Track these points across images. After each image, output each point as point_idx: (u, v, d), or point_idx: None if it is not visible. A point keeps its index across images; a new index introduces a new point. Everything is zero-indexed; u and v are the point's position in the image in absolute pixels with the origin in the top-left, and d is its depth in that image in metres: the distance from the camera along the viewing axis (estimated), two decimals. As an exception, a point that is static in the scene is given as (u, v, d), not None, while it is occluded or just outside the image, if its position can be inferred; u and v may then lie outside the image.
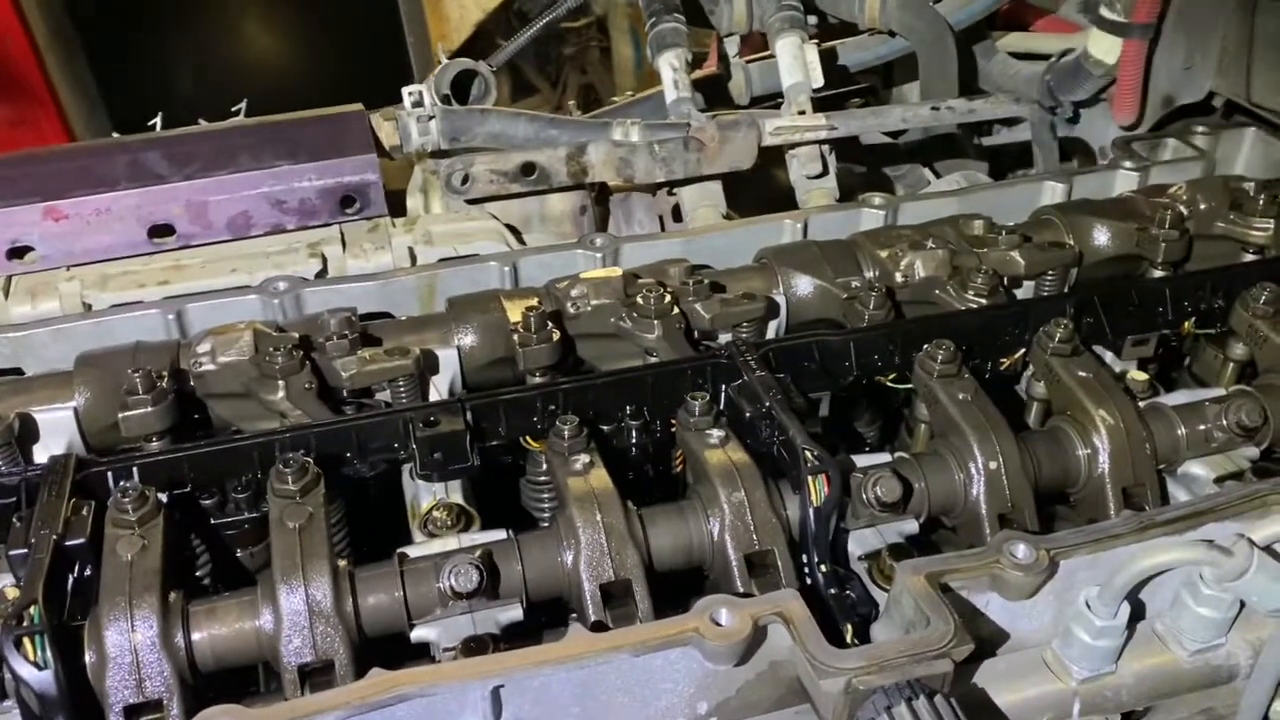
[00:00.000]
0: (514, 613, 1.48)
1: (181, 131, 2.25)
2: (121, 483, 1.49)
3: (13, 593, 1.54)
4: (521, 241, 2.32)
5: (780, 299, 2.00)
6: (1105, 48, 2.62)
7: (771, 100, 2.78)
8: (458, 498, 1.68)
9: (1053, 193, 2.38)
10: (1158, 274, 2.09)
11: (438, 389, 1.85)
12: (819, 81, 2.54)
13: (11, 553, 1.45)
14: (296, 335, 1.78)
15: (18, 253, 2.07)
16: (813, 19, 2.73)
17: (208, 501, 1.61)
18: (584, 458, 1.59)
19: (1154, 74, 2.69)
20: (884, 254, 2.01)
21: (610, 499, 1.53)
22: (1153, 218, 2.10)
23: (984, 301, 1.93)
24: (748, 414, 1.66)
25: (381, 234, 2.22)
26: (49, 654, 1.30)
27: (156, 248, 2.13)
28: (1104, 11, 2.60)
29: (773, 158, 2.54)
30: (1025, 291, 2.08)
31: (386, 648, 1.46)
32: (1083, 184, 2.42)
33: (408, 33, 5.64)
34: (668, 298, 1.88)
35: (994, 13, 3.07)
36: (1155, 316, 1.93)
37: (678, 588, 1.55)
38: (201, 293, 2.04)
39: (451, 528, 1.61)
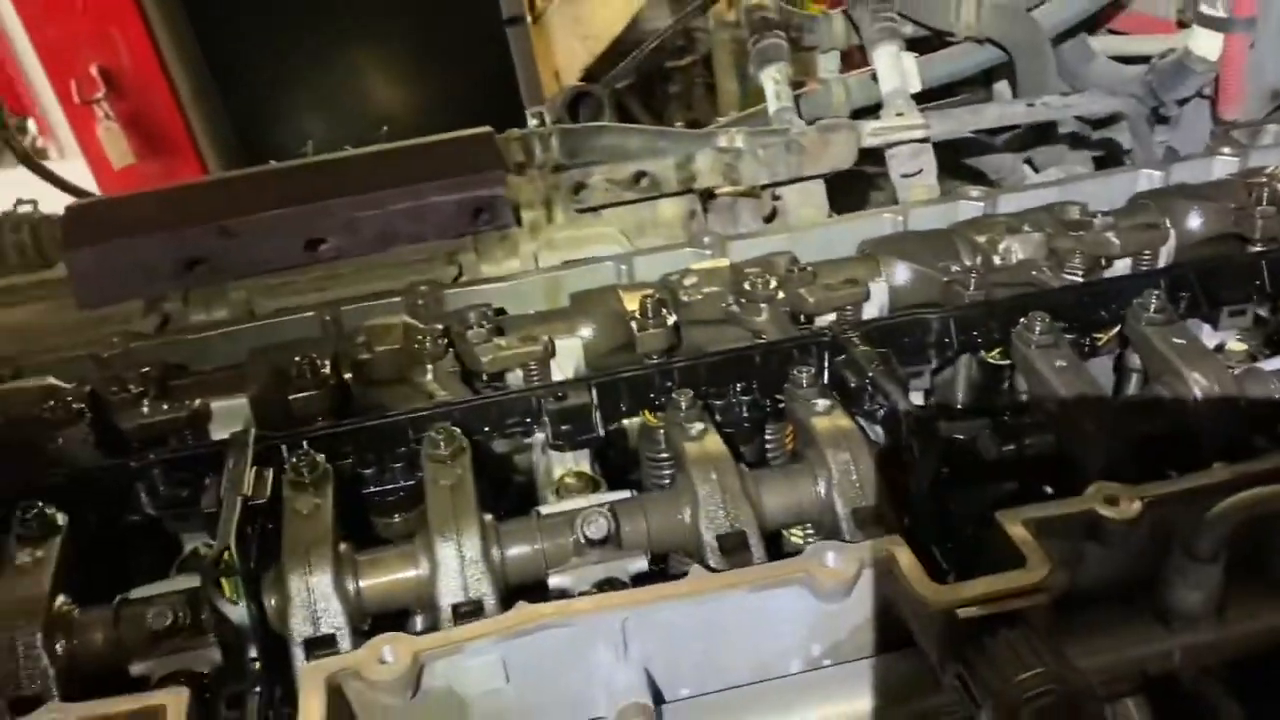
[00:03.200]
0: (640, 563, 1.63)
1: (332, 156, 2.51)
2: (297, 450, 1.70)
3: (205, 550, 1.78)
4: (635, 245, 2.49)
5: (882, 285, 2.12)
6: (1207, 44, 2.67)
7: (870, 114, 2.91)
8: (586, 467, 1.85)
9: (1150, 181, 2.44)
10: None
11: (564, 374, 2.02)
12: (916, 86, 2.66)
13: (206, 510, 1.68)
14: (441, 327, 1.99)
15: (192, 265, 2.34)
16: (909, 29, 2.87)
17: (366, 471, 1.81)
18: (699, 425, 1.74)
19: (1258, 68, 2.72)
20: (982, 239, 2.12)
21: (724, 459, 1.67)
22: (1250, 196, 2.15)
23: (1080, 280, 2.02)
24: (852, 384, 1.78)
25: (510, 242, 2.43)
26: (242, 592, 1.51)
27: (312, 259, 2.38)
28: (1204, 8, 2.65)
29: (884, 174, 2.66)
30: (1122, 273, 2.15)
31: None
32: (1180, 172, 2.47)
33: (520, 75, 5.94)
34: (774, 283, 2.02)
35: (1092, 17, 3.14)
36: (1251, 289, 1.98)
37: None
38: (353, 298, 2.27)
39: (581, 492, 1.78)
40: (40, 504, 1.66)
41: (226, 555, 1.53)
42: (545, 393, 1.82)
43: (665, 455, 1.88)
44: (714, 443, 1.71)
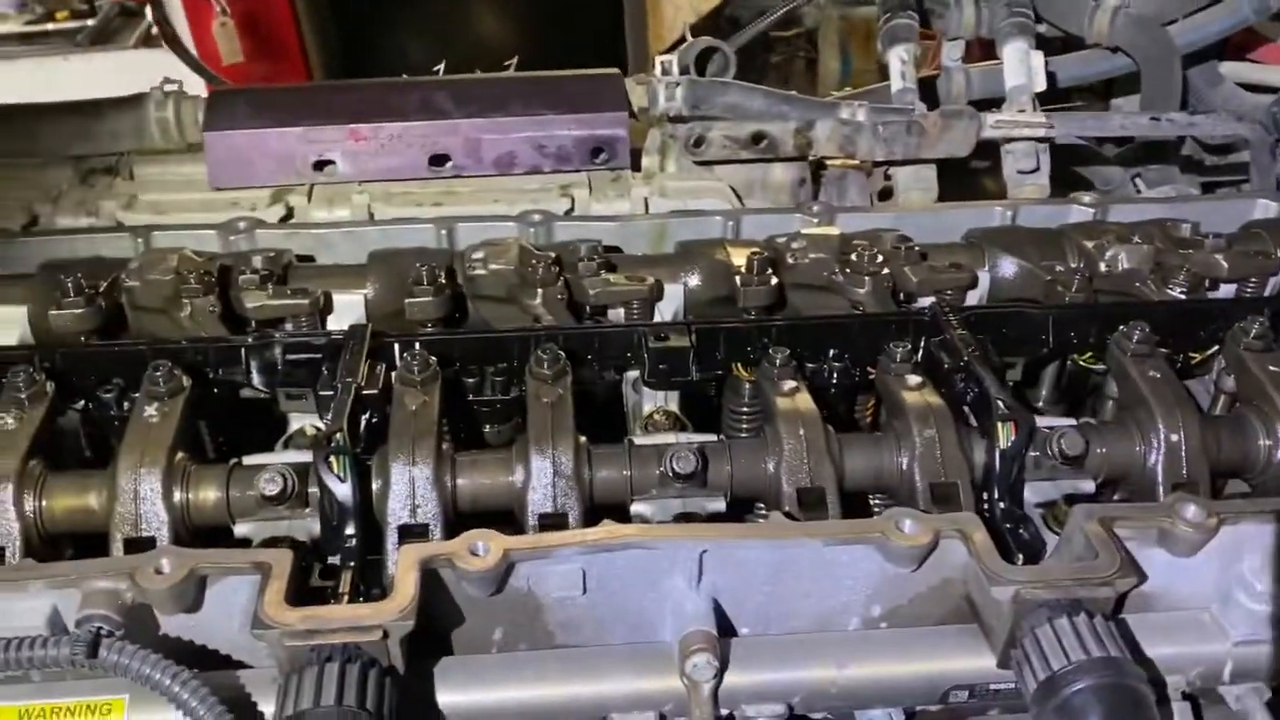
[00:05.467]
0: (718, 504, 1.71)
1: (465, 77, 2.58)
2: (410, 349, 1.79)
3: (311, 430, 1.89)
4: (743, 204, 2.54)
5: (984, 275, 2.15)
6: (1341, 78, 2.64)
7: (989, 106, 2.91)
8: (674, 408, 1.92)
9: (1265, 210, 2.43)
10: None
11: (664, 317, 2.09)
12: (1042, 85, 2.67)
13: (321, 393, 1.78)
14: (553, 255, 2.07)
15: (321, 165, 2.44)
16: (1042, 27, 2.86)
17: (470, 381, 1.90)
18: (791, 383, 1.80)
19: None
20: (1090, 244, 2.14)
21: (813, 417, 1.73)
22: (1369, 236, 2.15)
23: (1182, 297, 2.03)
24: (945, 365, 1.83)
25: (623, 184, 2.49)
26: (349, 471, 1.61)
27: (433, 175, 2.46)
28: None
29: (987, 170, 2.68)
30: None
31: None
32: (1299, 204, 2.46)
33: (628, 29, 5.95)
34: (880, 258, 2.07)
35: (1224, 41, 3.10)
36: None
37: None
38: (470, 216, 2.35)
39: (668, 430, 1.86)
40: (170, 365, 1.77)
41: (338, 436, 1.63)
42: (649, 330, 1.89)
43: (748, 409, 1.94)
44: (805, 400, 1.77)
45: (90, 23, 5.32)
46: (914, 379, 1.81)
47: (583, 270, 2.03)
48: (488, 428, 1.94)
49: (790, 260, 2.11)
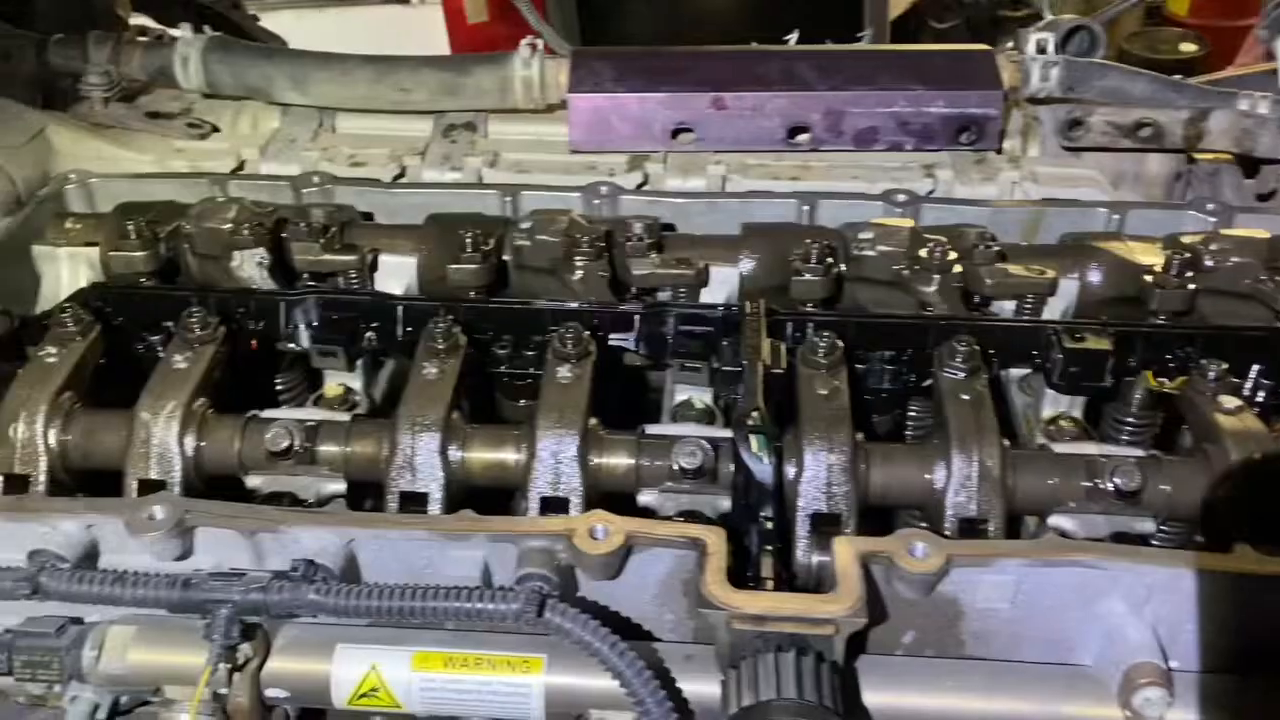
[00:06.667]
0: (1148, 525, 1.60)
1: (821, 48, 2.50)
2: (819, 333, 1.73)
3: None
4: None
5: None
6: None
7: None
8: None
9: None
10: None
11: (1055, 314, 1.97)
12: None
13: (723, 368, 1.75)
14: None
15: (677, 133, 2.40)
16: None
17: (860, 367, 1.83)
18: (1235, 400, 1.65)
19: None
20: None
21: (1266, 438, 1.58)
22: None
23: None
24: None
25: (988, 166, 2.36)
26: (769, 451, 1.56)
27: (790, 147, 2.39)
28: None
29: None
30: None
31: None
32: None
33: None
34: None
35: None
36: None
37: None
38: (833, 192, 2.27)
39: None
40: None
41: (755, 414, 1.59)
42: (1062, 329, 1.77)
43: (1139, 419, 1.79)
44: (1252, 420, 1.62)
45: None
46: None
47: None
48: (875, 416, 1.87)
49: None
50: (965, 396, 1.65)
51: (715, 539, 1.44)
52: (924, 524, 1.60)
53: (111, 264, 2.03)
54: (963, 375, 1.69)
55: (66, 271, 2.13)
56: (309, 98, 2.53)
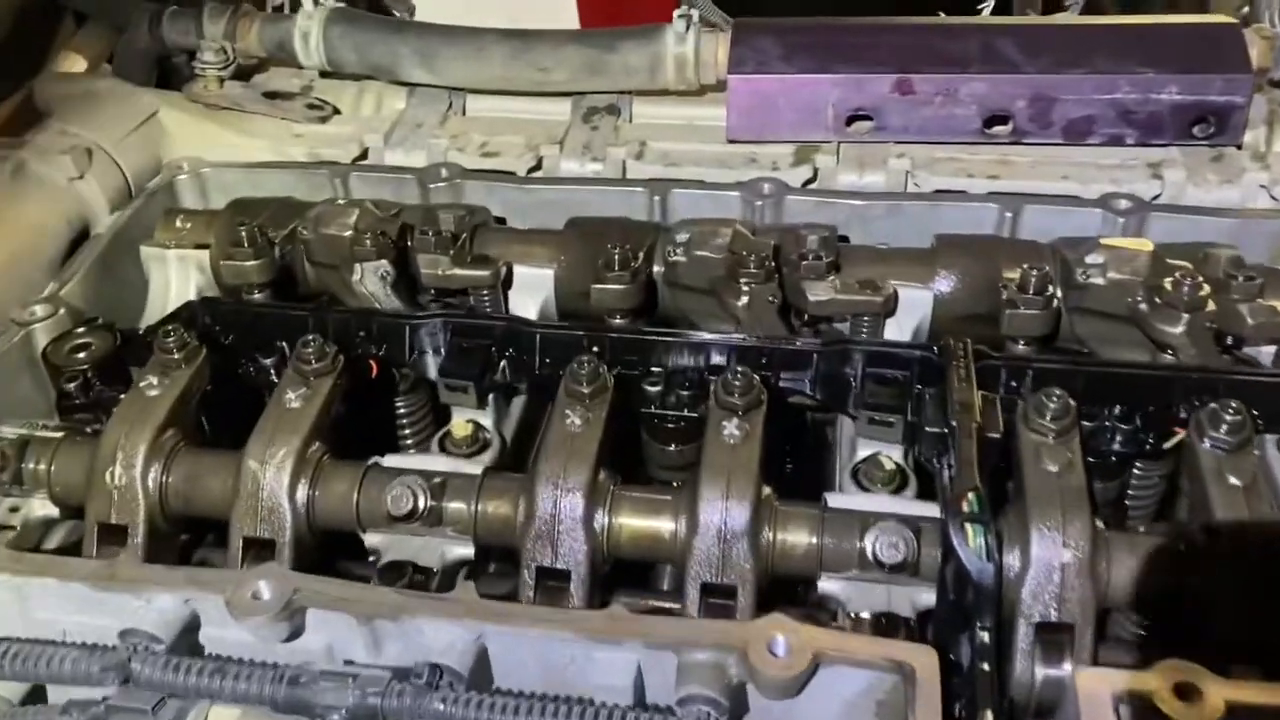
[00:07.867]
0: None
1: (1035, 20, 2.13)
2: (1049, 391, 1.41)
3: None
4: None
5: None
6: None
7: None
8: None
9: None
10: None
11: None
12: None
13: (925, 428, 1.46)
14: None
15: (852, 121, 2.08)
16: None
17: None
18: None
19: None
20: None
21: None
22: None
23: None
24: None
25: (1227, 165, 1.98)
26: (989, 548, 1.26)
27: (987, 139, 2.05)
28: None
29: None
30: None
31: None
32: None
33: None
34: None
35: None
36: None
37: None
38: (1039, 195, 1.93)
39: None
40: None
41: (971, 496, 1.30)
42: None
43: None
44: None
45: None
46: None
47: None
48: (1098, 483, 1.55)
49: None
50: (1235, 481, 1.32)
51: (927, 661, 1.16)
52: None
53: (223, 274, 1.85)
54: (1229, 449, 1.36)
55: (176, 276, 1.96)
56: (438, 77, 2.29)
